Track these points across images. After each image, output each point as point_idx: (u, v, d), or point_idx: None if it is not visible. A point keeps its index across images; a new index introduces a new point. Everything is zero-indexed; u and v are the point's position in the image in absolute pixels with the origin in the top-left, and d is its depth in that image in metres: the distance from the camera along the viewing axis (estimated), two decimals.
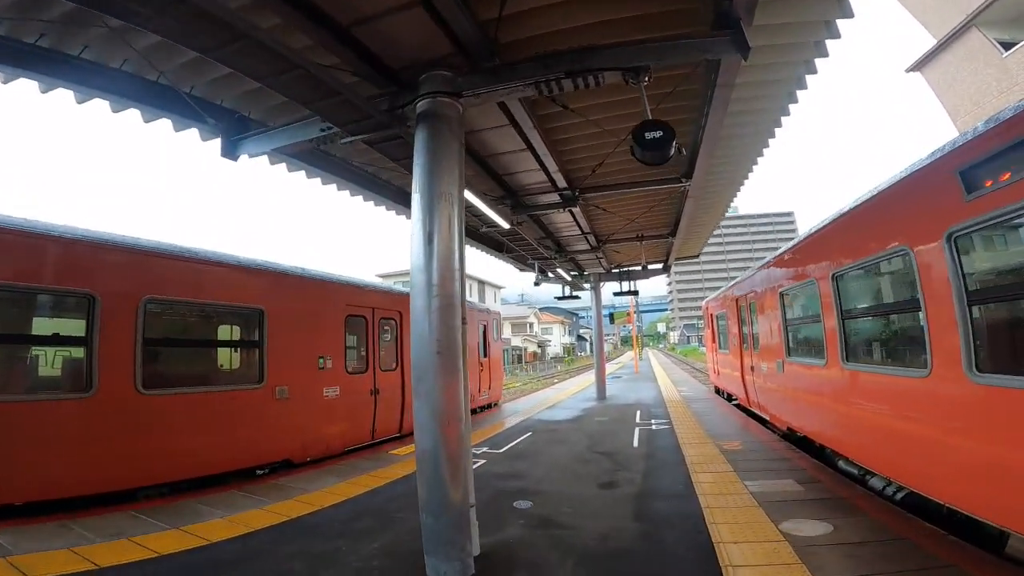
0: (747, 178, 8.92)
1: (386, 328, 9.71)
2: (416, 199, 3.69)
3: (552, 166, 6.91)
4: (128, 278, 5.76)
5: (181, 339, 6.65)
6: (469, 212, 8.82)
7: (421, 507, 3.58)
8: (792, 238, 8.54)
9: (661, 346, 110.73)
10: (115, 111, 4.90)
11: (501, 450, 8.06)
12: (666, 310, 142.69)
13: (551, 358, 63.69)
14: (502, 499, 5.51)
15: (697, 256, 15.85)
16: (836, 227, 5.71)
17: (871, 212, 4.94)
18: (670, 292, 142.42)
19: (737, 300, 10.76)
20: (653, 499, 5.28)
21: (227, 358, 7.09)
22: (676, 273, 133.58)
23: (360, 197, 7.59)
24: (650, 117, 4.06)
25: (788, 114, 6.66)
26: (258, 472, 6.91)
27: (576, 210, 8.61)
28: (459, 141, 4.11)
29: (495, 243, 11.92)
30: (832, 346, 5.72)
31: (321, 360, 7.91)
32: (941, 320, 3.89)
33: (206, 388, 6.39)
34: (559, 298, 15.77)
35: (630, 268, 15.18)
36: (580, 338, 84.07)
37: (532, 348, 60.70)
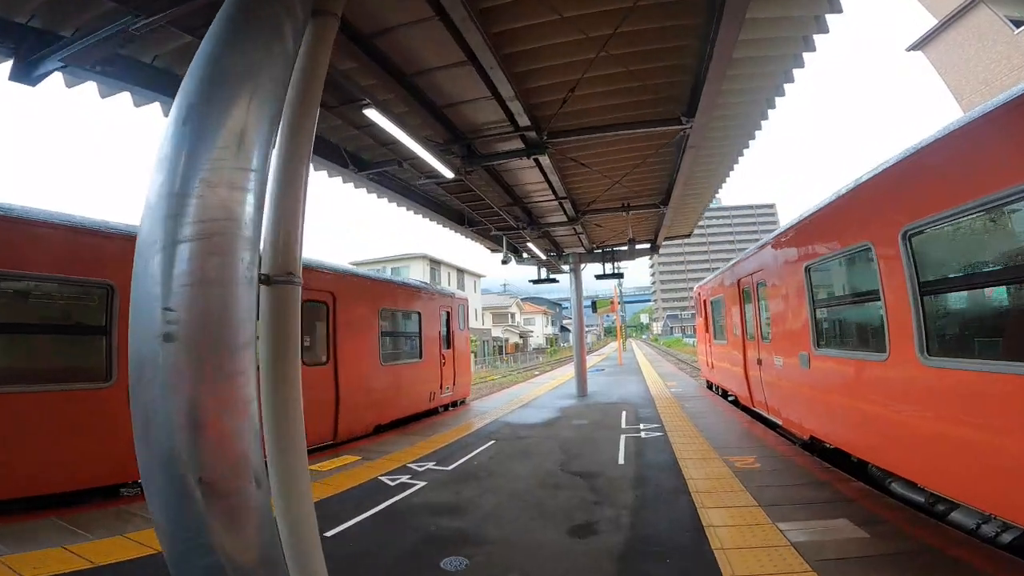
0: (759, 128, 7.21)
1: (311, 313, 7.82)
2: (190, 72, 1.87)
3: (507, 90, 5.07)
4: None
5: None
6: (393, 151, 6.81)
7: None
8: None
9: (644, 337, 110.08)
10: None
11: (450, 467, 6.29)
12: (649, 300, 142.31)
13: (533, 349, 62.09)
14: (426, 553, 3.78)
15: (689, 235, 14.21)
16: (909, 167, 4.00)
17: (988, 134, 3.23)
18: (653, 283, 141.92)
19: (740, 282, 9.09)
20: (648, 558, 3.55)
21: (53, 348, 5.12)
22: (659, 263, 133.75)
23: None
24: None
25: (827, 31, 4.99)
26: (123, 492, 5.22)
27: (545, 162, 6.79)
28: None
29: (455, 214, 10.07)
30: (901, 334, 4.03)
31: None
32: None
33: (9, 388, 4.48)
34: (534, 281, 13.97)
35: (615, 248, 13.42)
36: (563, 329, 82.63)
37: (514, 339, 58.92)
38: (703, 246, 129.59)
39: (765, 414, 8.01)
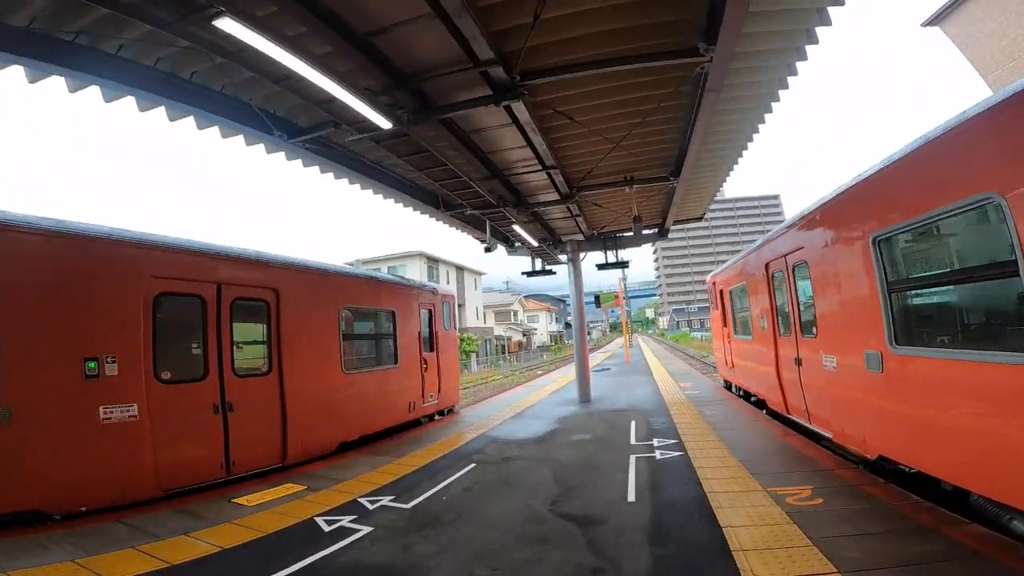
0: (794, 72, 5.76)
1: (247, 314, 6.43)
2: None
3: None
4: None
5: None
6: (295, 89, 5.31)
7: None
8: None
9: (650, 332, 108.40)
10: None
11: (409, 504, 4.88)
12: (654, 295, 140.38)
13: (537, 347, 60.63)
14: None
15: (700, 218, 12.74)
16: None
17: None
18: (658, 277, 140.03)
19: (769, 266, 7.62)
20: None
21: None
22: (663, 257, 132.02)
23: None
24: None
25: None
26: None
27: (523, 116, 5.32)
28: None
29: (428, 195, 8.65)
30: None
31: (92, 364, 4.68)
32: None
33: None
34: (527, 274, 12.52)
35: (617, 233, 11.92)
36: (568, 326, 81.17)
37: (517, 337, 57.43)
38: (707, 239, 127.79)
39: (807, 424, 6.55)
